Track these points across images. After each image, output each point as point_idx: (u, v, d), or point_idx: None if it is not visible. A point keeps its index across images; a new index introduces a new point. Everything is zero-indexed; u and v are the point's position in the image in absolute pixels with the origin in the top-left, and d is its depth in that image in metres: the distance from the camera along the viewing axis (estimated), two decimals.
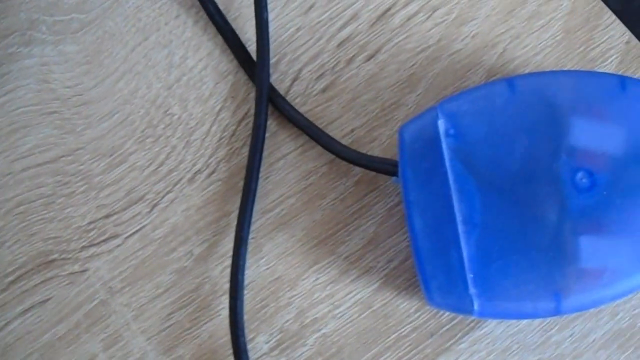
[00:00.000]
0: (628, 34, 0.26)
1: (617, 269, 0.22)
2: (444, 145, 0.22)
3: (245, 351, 0.23)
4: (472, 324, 0.24)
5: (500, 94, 0.22)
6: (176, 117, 0.26)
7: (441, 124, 0.22)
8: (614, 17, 0.26)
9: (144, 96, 0.26)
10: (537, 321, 0.24)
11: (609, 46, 0.26)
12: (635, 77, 0.25)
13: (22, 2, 0.26)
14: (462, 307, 0.22)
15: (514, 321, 0.24)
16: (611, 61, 0.25)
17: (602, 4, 0.26)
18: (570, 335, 0.24)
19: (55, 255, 0.25)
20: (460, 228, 0.21)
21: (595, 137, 0.22)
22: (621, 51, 0.26)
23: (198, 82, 0.26)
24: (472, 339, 0.24)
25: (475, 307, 0.21)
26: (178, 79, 0.26)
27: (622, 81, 0.23)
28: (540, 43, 0.25)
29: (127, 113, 0.26)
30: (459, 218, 0.21)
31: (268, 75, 0.25)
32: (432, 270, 0.22)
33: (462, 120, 0.22)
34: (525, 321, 0.24)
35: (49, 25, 0.26)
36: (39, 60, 0.26)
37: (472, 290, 0.21)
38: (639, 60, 0.25)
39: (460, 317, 0.24)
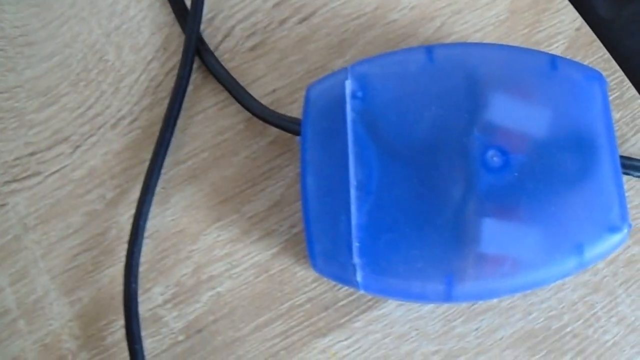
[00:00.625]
0: (580, 21, 0.24)
1: (521, 258, 0.20)
2: (349, 107, 0.20)
3: (135, 299, 0.23)
4: (371, 303, 0.23)
5: (418, 61, 0.21)
6: (110, 63, 0.26)
7: (348, 85, 0.21)
8: (566, 1, 0.24)
9: (84, 41, 0.26)
10: (441, 309, 0.22)
11: (557, 31, 0.24)
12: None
13: None
14: (345, 276, 0.20)
15: (415, 306, 0.22)
16: (557, 46, 0.24)
17: None
18: (476, 329, 0.22)
19: None
20: (353, 193, 0.20)
21: (515, 115, 0.21)
22: (570, 37, 0.24)
23: (135, 32, 0.26)
24: (369, 319, 0.22)
25: (359, 278, 0.20)
26: (117, 27, 0.26)
27: (553, 60, 0.21)
28: (483, 20, 0.24)
29: (66, 56, 0.26)
30: (353, 183, 0.20)
31: (198, 28, 0.24)
32: (319, 234, 0.20)
33: (372, 83, 0.21)
34: (428, 307, 0.22)
35: None
36: None
37: (356, 259, 0.20)
38: (588, 48, 0.23)
39: (358, 294, 0.22)
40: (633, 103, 0.24)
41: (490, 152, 0.20)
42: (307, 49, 0.24)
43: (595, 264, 0.21)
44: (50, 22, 0.26)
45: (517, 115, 0.20)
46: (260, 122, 0.23)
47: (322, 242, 0.20)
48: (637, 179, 0.23)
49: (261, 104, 0.23)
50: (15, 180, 0.25)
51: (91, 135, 0.25)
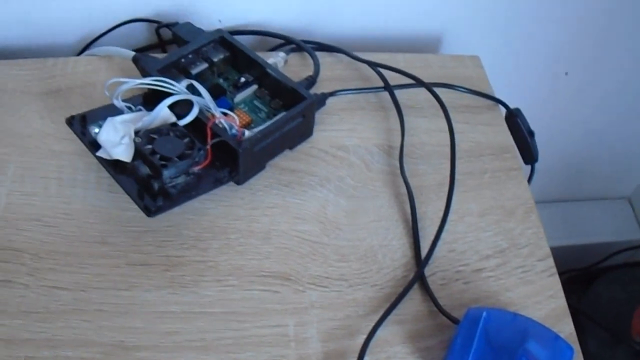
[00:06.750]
0: None
1: None
2: (480, 324, 0.56)
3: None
4: None
5: None
6: (379, 258, 0.59)
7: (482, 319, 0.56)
8: None
9: (368, 243, 0.62)
10: None
11: None
12: None
13: None
14: None
15: None
16: None
17: None
18: None
19: None
20: None
21: None
22: None
23: (393, 252, 0.60)
24: None
25: None
26: (386, 245, 0.61)
27: None
28: None
29: (361, 246, 0.62)
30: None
31: (422, 270, 0.61)
32: None
33: None
34: None
35: None
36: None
37: None
38: None
39: None
40: None
41: None
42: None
43: None
44: (357, 230, 0.63)
45: None
46: (444, 318, 0.57)
47: None
48: None
49: (449, 316, 0.57)
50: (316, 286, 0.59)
51: (358, 285, 0.60)
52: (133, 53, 0.68)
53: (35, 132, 0.66)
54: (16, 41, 0.78)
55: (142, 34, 0.78)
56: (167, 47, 0.77)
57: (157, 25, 0.73)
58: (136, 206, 0.59)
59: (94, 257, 0.57)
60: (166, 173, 0.54)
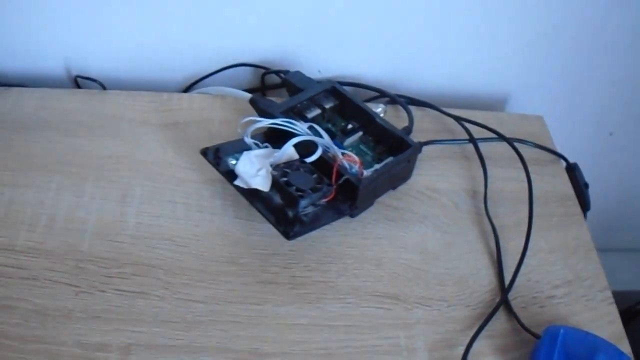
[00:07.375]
0: None
1: None
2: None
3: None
4: None
5: None
6: (469, 284, 0.71)
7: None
8: None
9: (460, 272, 0.73)
10: None
11: None
12: None
13: None
14: None
15: None
16: None
17: None
18: None
19: None
20: None
21: None
22: None
23: (472, 275, 0.73)
24: None
25: None
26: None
27: None
28: None
29: (454, 274, 0.73)
30: None
31: (506, 294, 0.72)
32: None
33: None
34: None
35: None
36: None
37: None
38: None
39: None
40: None
41: None
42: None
43: None
44: (452, 260, 0.74)
45: None
46: (527, 334, 0.67)
47: None
48: None
49: (532, 333, 0.68)
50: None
51: (455, 305, 0.70)
52: (248, 95, 0.79)
53: (158, 160, 0.75)
54: (126, 74, 0.87)
55: (245, 77, 0.89)
56: (267, 91, 0.88)
57: (265, 71, 0.84)
58: (260, 231, 0.69)
59: (225, 275, 0.65)
60: (302, 203, 0.64)
